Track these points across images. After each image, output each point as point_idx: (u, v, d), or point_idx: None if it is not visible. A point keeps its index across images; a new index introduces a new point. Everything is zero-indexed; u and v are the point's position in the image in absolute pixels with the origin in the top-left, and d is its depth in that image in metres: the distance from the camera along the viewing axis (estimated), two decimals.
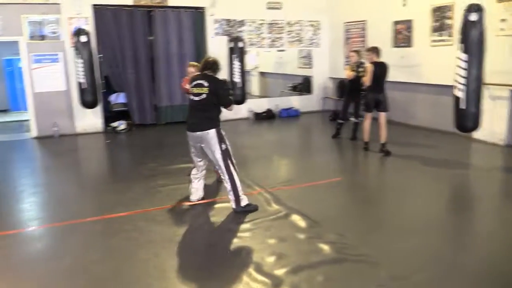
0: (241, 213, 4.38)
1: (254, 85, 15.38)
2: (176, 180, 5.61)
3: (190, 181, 4.79)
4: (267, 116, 10.60)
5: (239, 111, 10.34)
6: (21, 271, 3.45)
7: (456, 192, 5.42)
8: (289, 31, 10.88)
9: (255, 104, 10.92)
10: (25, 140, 8.78)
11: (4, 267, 3.52)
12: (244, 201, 4.43)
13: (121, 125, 9.30)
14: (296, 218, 4.27)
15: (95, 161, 7.46)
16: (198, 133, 4.38)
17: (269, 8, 10.54)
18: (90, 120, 9.16)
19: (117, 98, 9.71)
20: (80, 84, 8.03)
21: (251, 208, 4.44)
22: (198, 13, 9.91)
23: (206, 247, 3.79)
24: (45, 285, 3.25)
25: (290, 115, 10.82)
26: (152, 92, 9.77)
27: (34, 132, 8.89)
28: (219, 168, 4.44)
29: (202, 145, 4.41)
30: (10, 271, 3.46)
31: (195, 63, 5.52)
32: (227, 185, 4.40)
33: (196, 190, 4.76)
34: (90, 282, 3.26)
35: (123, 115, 9.59)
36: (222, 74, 9.42)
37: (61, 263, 3.56)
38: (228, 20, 10.17)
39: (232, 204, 4.42)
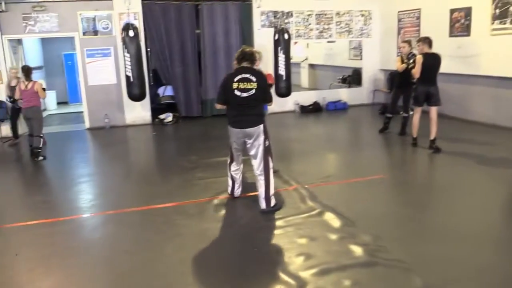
0: (268, 213, 4.25)
1: (303, 77, 15.13)
2: (214, 173, 5.61)
3: (231, 177, 4.64)
4: (313, 109, 10.37)
5: (285, 104, 10.23)
6: (51, 259, 3.58)
7: None
8: (338, 22, 10.53)
9: (301, 97, 10.72)
10: (79, 131, 9.21)
11: (40, 255, 3.68)
12: (273, 201, 4.30)
13: (168, 117, 9.50)
14: (330, 217, 4.10)
15: (140, 153, 7.67)
16: (247, 129, 4.22)
17: None
18: (139, 112, 9.43)
19: (165, 91, 9.91)
20: (127, 77, 8.25)
21: (277, 208, 4.31)
22: (245, 5, 9.85)
23: (234, 244, 3.74)
24: (70, 275, 3.34)
25: (338, 108, 10.51)
26: (199, 85, 9.86)
27: (87, 124, 9.30)
28: (258, 164, 4.27)
29: (248, 140, 4.26)
30: (44, 258, 3.60)
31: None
32: (261, 182, 4.27)
33: (239, 185, 4.66)
34: (115, 274, 3.32)
35: (170, 107, 9.79)
36: (268, 67, 9.38)
37: (90, 254, 3.66)
38: (275, 12, 10.02)
39: (262, 204, 4.28)
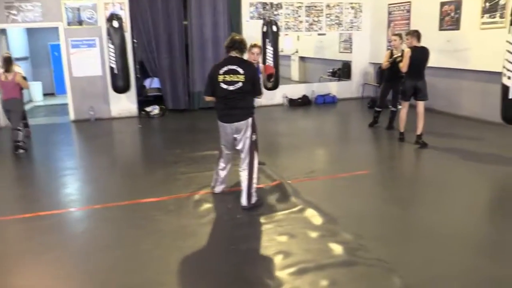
0: (249, 209, 4.14)
1: (293, 70, 15.02)
2: (197, 167, 5.51)
3: (216, 172, 4.52)
4: (302, 103, 10.27)
5: (274, 97, 10.11)
6: (26, 255, 3.46)
7: (501, 193, 4.87)
8: (328, 14, 10.40)
9: (290, 90, 10.60)
10: (64, 124, 9.03)
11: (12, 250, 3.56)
12: (254, 198, 4.18)
13: (154, 110, 9.35)
14: (311, 214, 4.02)
15: (124, 146, 7.53)
16: (235, 123, 4.08)
17: None
18: (125, 104, 9.27)
19: (152, 83, 9.76)
20: (112, 69, 8.08)
21: (258, 204, 4.20)
22: None
23: (212, 241, 3.64)
24: (44, 272, 3.24)
25: (326, 101, 10.42)
26: (186, 77, 9.71)
27: (72, 116, 9.13)
28: (244, 158, 4.17)
29: (237, 135, 4.13)
30: (19, 254, 3.49)
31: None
32: (244, 177, 4.15)
33: (221, 182, 4.55)
34: (89, 271, 3.21)
35: (157, 100, 9.64)
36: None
37: (66, 250, 3.55)
38: (264, 3, 9.87)
39: (243, 200, 4.16)
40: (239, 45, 4.05)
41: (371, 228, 3.78)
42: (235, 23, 9.76)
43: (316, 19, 10.32)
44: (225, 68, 4.00)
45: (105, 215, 4.26)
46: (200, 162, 5.74)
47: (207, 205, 4.34)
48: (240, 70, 3.97)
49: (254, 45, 5.01)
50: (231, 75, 3.97)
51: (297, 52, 14.72)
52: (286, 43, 14.99)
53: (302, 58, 14.66)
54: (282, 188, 4.72)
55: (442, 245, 3.43)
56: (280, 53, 11.23)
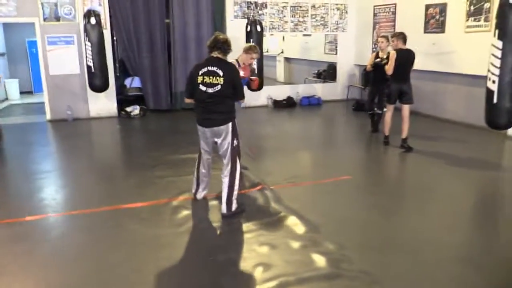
0: (230, 217, 3.95)
1: (279, 71, 14.88)
2: (176, 171, 5.31)
3: (197, 178, 4.29)
4: (287, 104, 10.12)
5: (258, 98, 9.94)
6: None
7: (485, 198, 4.79)
8: (313, 15, 10.28)
9: (275, 91, 10.45)
10: (40, 123, 8.69)
11: None
12: (234, 205, 3.98)
13: (135, 110, 9.09)
14: (293, 222, 3.85)
15: (101, 148, 7.24)
16: (214, 128, 3.88)
17: None
18: (104, 104, 8.98)
19: (133, 82, 9.48)
20: (89, 67, 7.79)
21: (239, 211, 4.01)
22: None
23: (188, 251, 3.44)
24: (9, 286, 3.00)
25: (311, 103, 10.29)
26: (168, 77, 9.46)
27: (48, 115, 8.80)
28: (226, 164, 3.96)
29: (216, 140, 3.94)
30: None
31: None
32: (225, 184, 3.94)
33: (204, 189, 4.33)
34: (58, 285, 2.99)
35: (138, 99, 9.37)
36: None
37: (30, 262, 3.30)
38: (249, 3, 9.69)
39: (223, 208, 3.96)
40: (222, 45, 3.84)
41: (354, 237, 3.63)
42: (218, 22, 9.56)
43: (301, 19, 10.18)
44: (205, 69, 3.80)
45: (77, 222, 4.03)
46: (180, 165, 5.53)
47: (185, 212, 4.13)
48: (220, 72, 3.76)
49: (255, 48, 4.89)
50: (210, 77, 3.77)
51: (282, 52, 14.58)
52: (271, 44, 14.85)
53: (287, 59, 14.52)
54: (264, 194, 4.54)
55: (427, 254, 3.29)
56: (266, 54, 11.11)
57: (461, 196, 4.63)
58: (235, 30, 9.30)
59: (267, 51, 13.50)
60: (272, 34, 12.17)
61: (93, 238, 3.67)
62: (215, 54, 3.86)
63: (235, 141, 3.94)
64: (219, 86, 3.76)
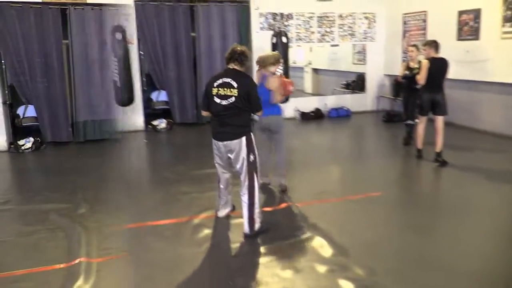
0: (252, 237, 3.78)
1: (306, 82, 14.68)
2: (200, 187, 5.19)
3: (219, 196, 4.20)
4: (315, 116, 9.90)
5: (285, 110, 9.74)
6: None
7: None
8: (340, 25, 10.08)
9: (302, 103, 10.26)
10: None
11: None
12: (257, 224, 3.82)
13: (161, 123, 9.10)
14: (320, 244, 3.65)
15: (128, 162, 7.22)
16: (227, 142, 3.77)
17: (319, 0, 9.80)
18: (131, 118, 9.02)
19: (159, 96, 9.52)
20: (114, 82, 7.84)
21: (262, 231, 3.84)
22: (242, 7, 9.43)
23: (207, 274, 3.30)
24: None
25: (340, 115, 10.03)
26: (194, 90, 9.45)
27: None
28: (243, 181, 3.82)
29: (231, 155, 3.82)
30: None
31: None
32: (245, 202, 3.80)
33: (224, 206, 4.22)
34: None
35: (165, 113, 9.39)
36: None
37: None
38: (275, 14, 9.60)
39: (245, 227, 3.80)
40: (239, 57, 3.73)
41: (386, 261, 3.39)
42: (244, 34, 9.50)
43: (328, 29, 10.00)
44: (220, 81, 3.71)
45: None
46: (205, 181, 5.40)
47: (206, 231, 4.00)
48: (234, 84, 3.64)
49: (278, 56, 4.88)
50: (225, 89, 3.66)
51: (310, 63, 14.39)
52: (299, 55, 14.70)
53: (315, 70, 14.32)
54: (289, 212, 4.36)
55: (464, 281, 3.03)
56: (293, 65, 10.95)
57: (501, 214, 4.30)
58: (262, 41, 9.23)
59: (294, 63, 13.34)
60: (298, 45, 12.04)
61: (110, 259, 3.58)
62: (232, 65, 3.77)
63: (251, 156, 3.77)
64: (233, 98, 3.64)
